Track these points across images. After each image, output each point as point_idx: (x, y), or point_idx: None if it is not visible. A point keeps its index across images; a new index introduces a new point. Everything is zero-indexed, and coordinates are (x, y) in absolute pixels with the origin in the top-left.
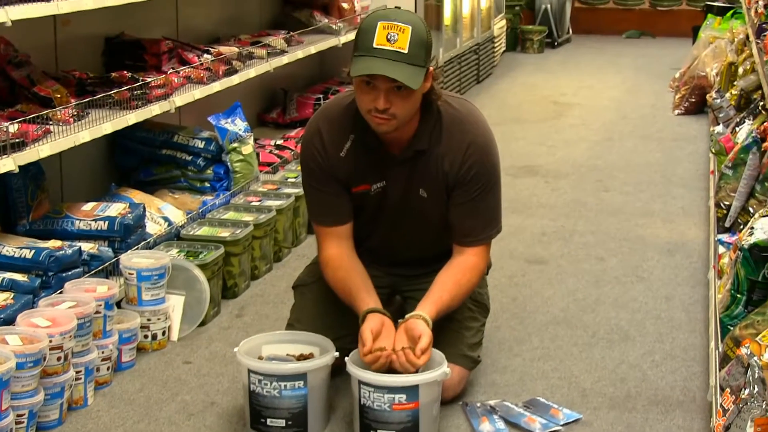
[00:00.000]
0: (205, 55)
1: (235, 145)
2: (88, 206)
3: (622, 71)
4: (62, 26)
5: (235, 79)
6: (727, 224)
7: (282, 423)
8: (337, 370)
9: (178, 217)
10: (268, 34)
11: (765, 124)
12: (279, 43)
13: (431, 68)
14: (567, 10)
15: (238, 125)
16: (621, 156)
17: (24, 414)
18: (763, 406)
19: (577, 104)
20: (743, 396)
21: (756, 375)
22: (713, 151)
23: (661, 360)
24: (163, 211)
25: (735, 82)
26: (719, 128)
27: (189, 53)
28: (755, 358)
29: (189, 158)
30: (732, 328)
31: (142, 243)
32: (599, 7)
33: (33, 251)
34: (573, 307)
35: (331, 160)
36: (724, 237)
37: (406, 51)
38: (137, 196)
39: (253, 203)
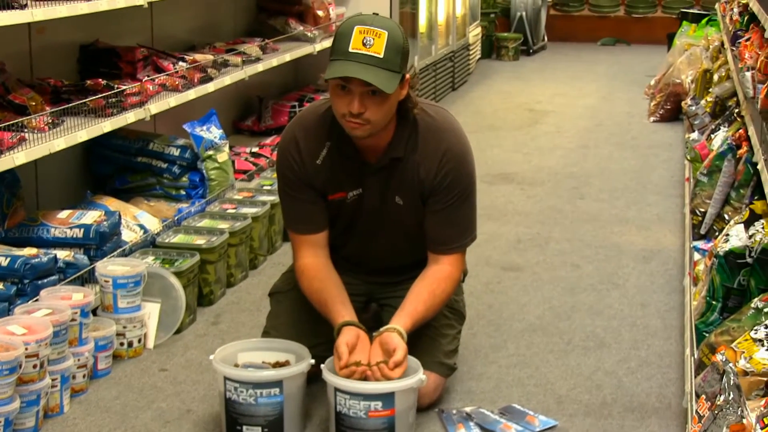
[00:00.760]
0: (180, 63)
1: (211, 152)
2: (63, 214)
3: (597, 78)
4: (37, 34)
5: (210, 87)
6: (702, 231)
7: (258, 430)
8: (313, 377)
9: (153, 224)
10: (243, 41)
11: (740, 131)
12: (254, 50)
13: (408, 76)
14: (542, 17)
15: (213, 133)
16: (596, 163)
17: (0, 422)
18: (739, 413)
19: (553, 111)
20: (719, 402)
21: (731, 381)
22: (688, 158)
23: (636, 367)
24: (138, 218)
25: (710, 89)
26: (694, 135)
27: (164, 61)
28: (731, 364)
29: (164, 166)
30: (707, 335)
31: (118, 250)
32: (574, 15)
33: (8, 259)
34: (549, 314)
35: (307, 168)
36: (700, 244)
37: (381, 56)
38: (113, 203)
39: (229, 211)
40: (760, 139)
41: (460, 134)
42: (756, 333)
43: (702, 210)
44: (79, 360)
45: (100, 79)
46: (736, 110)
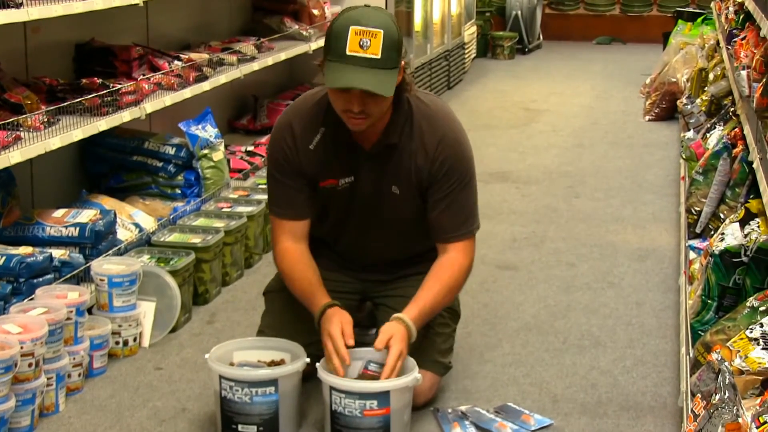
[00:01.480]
0: (176, 62)
1: (206, 151)
2: (59, 213)
3: (592, 77)
4: (32, 33)
5: (205, 86)
6: (697, 230)
7: (253, 429)
8: (308, 376)
9: (149, 223)
10: (238, 40)
11: (736, 129)
12: (249, 49)
13: (403, 62)
14: (537, 16)
15: (208, 132)
16: (592, 162)
17: None
18: (734, 412)
19: (548, 110)
20: (714, 401)
21: (727, 380)
22: (684, 156)
23: (632, 366)
24: (134, 217)
25: (705, 88)
26: (690, 134)
27: (159, 60)
28: (726, 363)
29: (160, 165)
30: (703, 334)
31: (113, 249)
32: (570, 14)
33: (4, 258)
34: (544, 313)
35: (299, 154)
36: (695, 243)
37: (379, 57)
38: (108, 202)
39: (224, 210)
40: (755, 137)
41: (455, 122)
42: (751, 332)
43: (697, 209)
44: (74, 359)
45: (96, 78)
46: (732, 109)
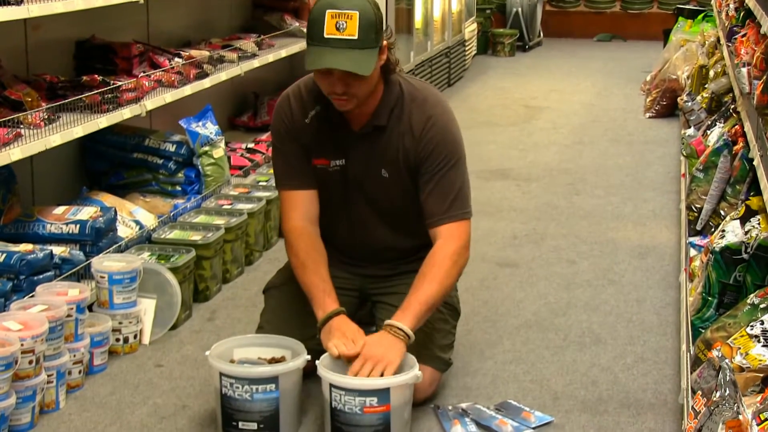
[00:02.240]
0: (176, 59)
1: (207, 148)
2: (59, 210)
3: (593, 74)
4: (33, 30)
5: (206, 83)
6: (698, 227)
7: (254, 426)
8: (309, 373)
9: (149, 220)
10: (238, 37)
11: (736, 126)
12: (250, 46)
13: (385, 42)
14: (538, 13)
15: (209, 129)
16: (592, 159)
17: None
18: (735, 409)
19: (548, 108)
20: (715, 399)
21: (727, 378)
22: (684, 154)
23: (632, 363)
24: (134, 214)
25: (706, 85)
26: (690, 131)
27: (160, 57)
28: (726, 360)
29: (160, 162)
30: (703, 331)
31: (114, 246)
32: (570, 11)
33: (4, 255)
34: (544, 310)
35: (296, 124)
36: (696, 240)
37: (356, 37)
38: (108, 199)
39: (225, 207)
40: (756, 135)
41: (444, 104)
42: (752, 329)
43: (698, 206)
44: (74, 356)
45: (96, 75)
46: (732, 106)
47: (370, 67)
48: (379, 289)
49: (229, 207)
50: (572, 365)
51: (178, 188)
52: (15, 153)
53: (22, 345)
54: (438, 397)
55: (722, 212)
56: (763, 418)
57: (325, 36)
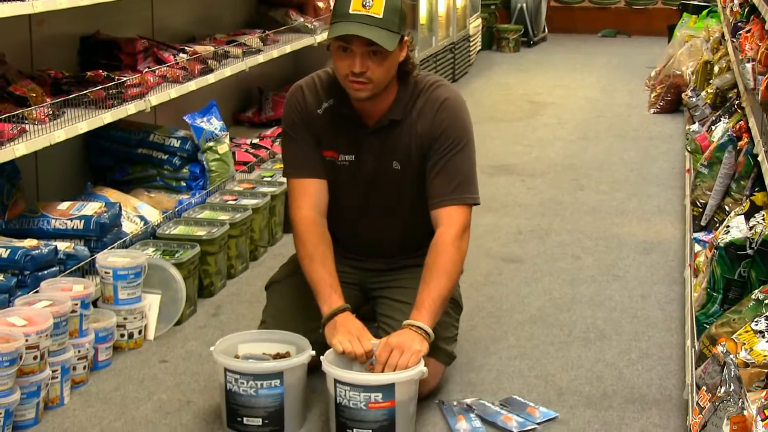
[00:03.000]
0: (181, 54)
1: (211, 144)
2: (63, 205)
3: (597, 70)
4: (37, 25)
5: (210, 78)
6: (702, 222)
7: (258, 422)
8: (313, 368)
9: (154, 216)
10: (243, 33)
11: (741, 122)
12: (254, 42)
13: (406, 38)
14: (543, 9)
15: (213, 124)
16: (596, 155)
17: (0, 413)
18: (739, 404)
19: (553, 103)
20: (719, 394)
21: (732, 373)
22: (689, 149)
23: (637, 358)
24: (139, 210)
25: (710, 81)
26: (695, 127)
27: (164, 52)
28: (731, 356)
29: (165, 157)
30: (708, 327)
31: (118, 242)
32: (575, 6)
33: (9, 250)
34: (549, 305)
35: (309, 113)
36: (700, 235)
37: (380, 16)
38: (113, 195)
39: (229, 202)
40: (760, 130)
41: (457, 93)
42: (756, 324)
43: (702, 201)
44: (79, 351)
45: (101, 71)
46: (737, 102)
47: (393, 45)
48: (379, 283)
49: (233, 202)
50: (577, 361)
51: (183, 184)
52: (19, 148)
53: (26, 340)
54: (442, 392)
55: (727, 208)
56: (767, 414)
57: (351, 11)
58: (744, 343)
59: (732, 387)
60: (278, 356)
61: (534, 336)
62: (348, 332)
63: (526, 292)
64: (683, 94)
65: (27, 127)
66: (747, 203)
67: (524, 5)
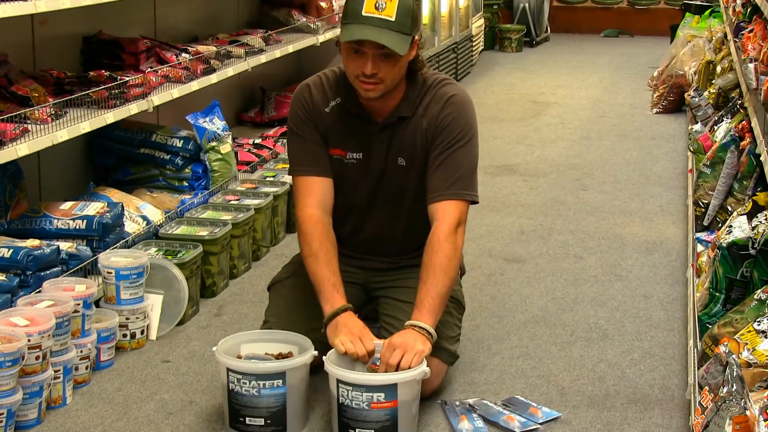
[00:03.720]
0: (183, 54)
1: (214, 144)
2: (66, 205)
3: (600, 70)
4: (40, 25)
5: (213, 78)
6: (705, 222)
7: (261, 422)
8: (315, 368)
9: (156, 216)
10: (246, 33)
11: (743, 122)
12: (257, 42)
13: (416, 37)
14: (545, 8)
15: (216, 124)
16: (599, 155)
17: (2, 413)
18: (742, 404)
19: (555, 103)
20: (722, 394)
21: (734, 373)
22: (691, 149)
23: (639, 358)
24: (141, 210)
25: (713, 81)
26: (697, 127)
27: (167, 52)
28: (734, 356)
29: (167, 157)
30: (710, 327)
31: (121, 242)
32: (577, 6)
33: (11, 250)
34: (551, 305)
35: (316, 111)
36: (703, 235)
37: (393, 19)
38: (115, 195)
39: (232, 202)
40: (763, 130)
41: (464, 91)
42: (759, 324)
43: (705, 201)
44: (81, 351)
45: (103, 71)
46: (739, 102)
47: (404, 48)
48: (381, 283)
49: (236, 202)
50: (579, 361)
51: (185, 184)
52: (22, 148)
53: (29, 340)
54: (445, 392)
55: (729, 208)
56: None
57: (363, 14)
58: (746, 343)
59: (734, 387)
60: (281, 356)
61: (536, 336)
62: (350, 332)
63: (528, 291)
64: (686, 94)
65: (29, 127)
66: (749, 203)
67: (527, 5)
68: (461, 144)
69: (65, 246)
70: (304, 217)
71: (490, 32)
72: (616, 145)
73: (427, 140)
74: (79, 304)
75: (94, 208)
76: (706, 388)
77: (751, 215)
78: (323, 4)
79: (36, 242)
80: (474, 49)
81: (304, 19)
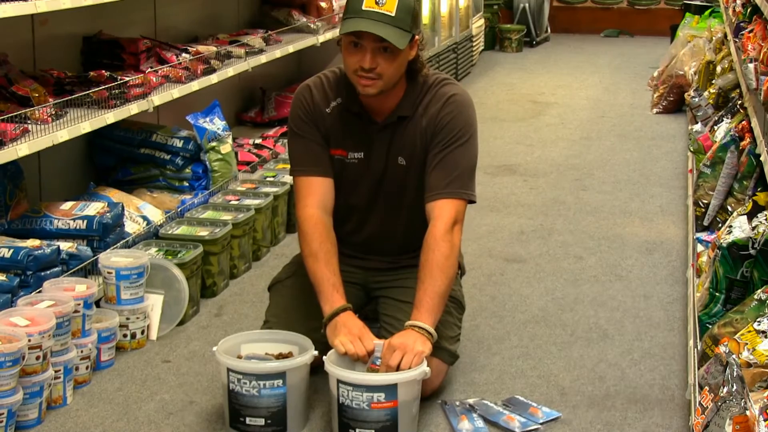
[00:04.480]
0: (184, 54)
1: (214, 144)
2: (66, 205)
3: (600, 70)
4: (40, 25)
5: (213, 78)
6: (705, 223)
7: (261, 422)
8: (316, 368)
9: (156, 216)
10: (246, 33)
11: (743, 122)
12: (257, 42)
13: (417, 37)
14: (545, 9)
15: (216, 124)
16: (599, 155)
17: (3, 413)
18: (742, 404)
19: (555, 103)
20: (722, 394)
21: (734, 373)
22: (691, 149)
23: (639, 358)
24: (141, 210)
25: (713, 81)
26: (697, 127)
27: (167, 52)
28: (734, 356)
29: (167, 157)
30: (710, 327)
31: (121, 242)
32: (577, 6)
33: (11, 250)
34: (552, 305)
35: (317, 111)
36: (703, 235)
37: (393, 14)
38: (116, 195)
39: (232, 202)
40: (763, 130)
41: (465, 92)
42: (759, 324)
43: (705, 201)
44: (82, 351)
45: (104, 71)
46: (739, 102)
47: (404, 43)
48: (381, 283)
49: (236, 202)
50: (579, 361)
51: (186, 184)
52: (22, 149)
53: (29, 341)
54: (445, 392)
55: (729, 208)
56: None
57: (363, 8)
58: (746, 343)
59: (734, 387)
60: (281, 356)
61: (536, 336)
62: (349, 332)
63: (528, 292)
64: (686, 94)
65: (30, 127)
66: (749, 203)
67: (527, 5)
68: (460, 143)
69: (65, 246)
70: (304, 218)
71: (490, 32)
72: (616, 145)
73: (427, 139)
74: (79, 304)
75: (94, 208)
76: (706, 388)
77: (751, 215)
78: (323, 4)
79: (36, 242)
80: (474, 49)
81: (304, 19)
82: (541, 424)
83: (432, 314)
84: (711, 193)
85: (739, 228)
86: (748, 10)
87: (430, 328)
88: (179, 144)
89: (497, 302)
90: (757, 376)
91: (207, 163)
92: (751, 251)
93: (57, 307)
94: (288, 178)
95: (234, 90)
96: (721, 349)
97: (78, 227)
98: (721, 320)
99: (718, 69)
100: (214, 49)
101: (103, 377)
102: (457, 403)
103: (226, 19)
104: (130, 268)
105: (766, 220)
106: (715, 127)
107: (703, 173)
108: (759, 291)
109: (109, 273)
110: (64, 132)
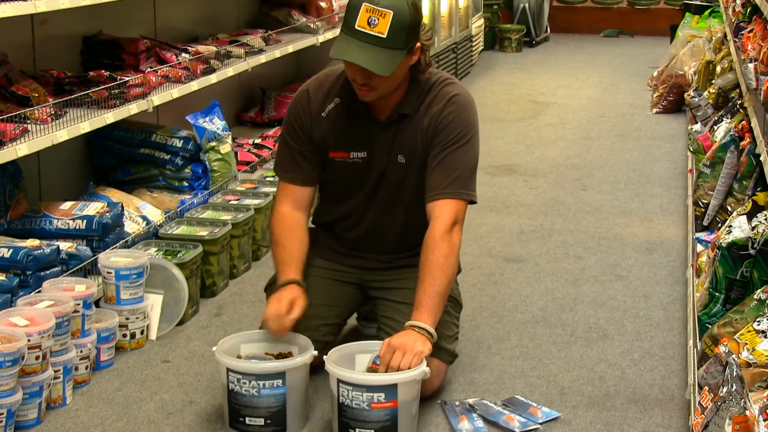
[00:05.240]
0: (183, 54)
1: (213, 144)
2: (66, 205)
3: (600, 70)
4: (40, 25)
5: (213, 78)
6: (705, 222)
7: (261, 422)
8: (316, 368)
9: (156, 216)
10: (246, 33)
11: (743, 122)
12: (257, 42)
13: (418, 44)
14: (545, 8)
15: (216, 124)
16: (599, 155)
17: (2, 413)
18: (742, 404)
19: (555, 103)
20: (721, 394)
21: (734, 373)
22: (691, 149)
23: (639, 358)
24: (141, 210)
25: (713, 81)
26: (697, 127)
27: (167, 52)
28: (733, 356)
29: (167, 157)
30: (710, 327)
31: (121, 242)
32: (577, 6)
33: (11, 250)
34: (551, 305)
35: (312, 118)
36: (703, 235)
37: (384, 35)
38: (115, 195)
39: (232, 202)
40: (762, 130)
41: (467, 92)
42: (759, 324)
43: (705, 201)
44: (81, 351)
45: (103, 71)
46: (739, 102)
47: (391, 69)
48: (378, 283)
49: (236, 202)
50: (579, 361)
51: (185, 184)
52: (22, 148)
53: (28, 341)
54: (445, 392)
55: (729, 208)
56: None
57: (356, 27)
58: (746, 343)
59: (734, 387)
60: (280, 356)
61: (536, 336)
62: (277, 300)
63: (528, 291)
64: (686, 94)
65: (29, 127)
66: (749, 203)
67: (527, 5)
68: (461, 143)
69: (65, 246)
70: (274, 215)
71: (490, 32)
72: (616, 145)
73: (428, 139)
74: (79, 304)
75: (94, 208)
76: (706, 388)
77: (750, 215)
78: (323, 4)
79: (36, 242)
80: (474, 49)
81: (304, 19)
82: (541, 424)
83: (432, 314)
84: (711, 193)
85: (738, 228)
86: (748, 10)
87: (430, 329)
88: (179, 144)
89: (497, 302)
90: (756, 376)
91: (207, 163)
92: (751, 251)
93: (56, 307)
94: None
95: (234, 90)
96: (721, 349)
97: (77, 227)
98: (720, 320)
99: (718, 69)
100: (214, 49)
101: (102, 377)
102: (457, 403)
103: (225, 19)
104: (129, 268)
105: (765, 220)
106: (715, 127)
107: (702, 173)
108: (759, 291)
109: (108, 273)
110: (63, 132)
